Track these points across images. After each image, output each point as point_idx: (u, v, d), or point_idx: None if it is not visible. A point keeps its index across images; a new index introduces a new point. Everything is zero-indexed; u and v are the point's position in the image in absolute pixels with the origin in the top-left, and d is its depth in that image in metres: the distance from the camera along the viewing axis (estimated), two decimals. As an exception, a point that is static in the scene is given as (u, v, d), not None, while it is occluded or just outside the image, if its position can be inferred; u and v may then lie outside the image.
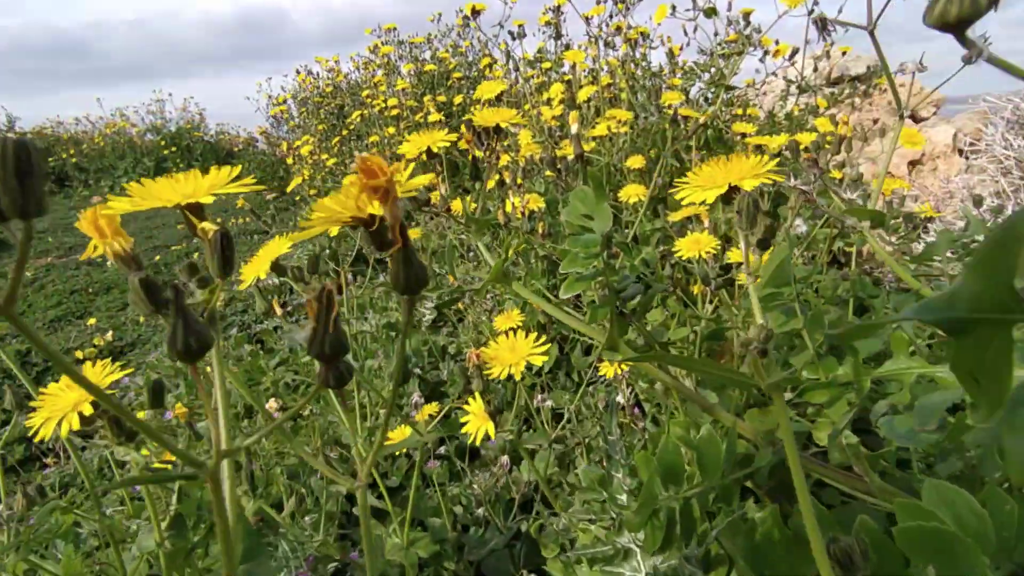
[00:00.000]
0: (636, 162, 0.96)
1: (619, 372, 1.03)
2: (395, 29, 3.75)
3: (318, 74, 4.45)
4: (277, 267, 0.73)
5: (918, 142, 1.78)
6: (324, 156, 3.71)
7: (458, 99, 2.85)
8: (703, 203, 0.55)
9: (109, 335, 2.83)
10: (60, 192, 8.49)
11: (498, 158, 0.64)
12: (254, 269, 0.72)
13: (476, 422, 0.78)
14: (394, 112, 3.09)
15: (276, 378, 1.79)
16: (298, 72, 4.39)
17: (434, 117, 2.12)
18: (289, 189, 2.92)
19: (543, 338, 0.78)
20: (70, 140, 8.88)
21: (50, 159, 8.65)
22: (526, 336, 0.80)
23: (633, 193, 1.36)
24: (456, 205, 0.68)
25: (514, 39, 1.89)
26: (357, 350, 1.61)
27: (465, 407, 0.80)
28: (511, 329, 0.83)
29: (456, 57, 3.90)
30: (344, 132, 4.24)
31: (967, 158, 2.58)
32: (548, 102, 1.91)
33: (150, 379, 0.58)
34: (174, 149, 8.37)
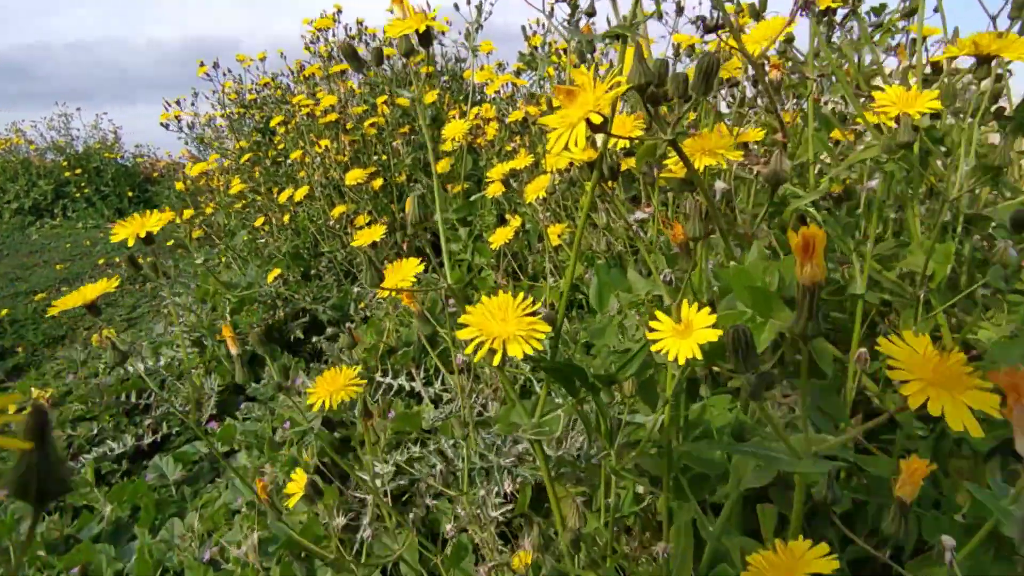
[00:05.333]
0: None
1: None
2: (340, 11, 2.74)
3: (239, 76, 3.40)
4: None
5: None
6: (235, 180, 2.63)
7: (430, 98, 1.85)
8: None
9: None
10: (-67, 220, 7.06)
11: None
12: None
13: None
14: (331, 117, 2.05)
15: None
16: (214, 65, 3.27)
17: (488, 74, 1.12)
18: (156, 229, 1.83)
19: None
20: (-49, 158, 7.46)
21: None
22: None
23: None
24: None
25: None
26: None
27: None
28: None
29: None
30: (271, 152, 3.18)
31: None
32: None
33: None
34: (79, 171, 7.03)
